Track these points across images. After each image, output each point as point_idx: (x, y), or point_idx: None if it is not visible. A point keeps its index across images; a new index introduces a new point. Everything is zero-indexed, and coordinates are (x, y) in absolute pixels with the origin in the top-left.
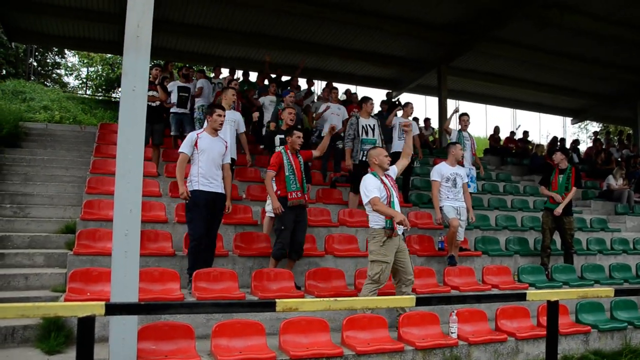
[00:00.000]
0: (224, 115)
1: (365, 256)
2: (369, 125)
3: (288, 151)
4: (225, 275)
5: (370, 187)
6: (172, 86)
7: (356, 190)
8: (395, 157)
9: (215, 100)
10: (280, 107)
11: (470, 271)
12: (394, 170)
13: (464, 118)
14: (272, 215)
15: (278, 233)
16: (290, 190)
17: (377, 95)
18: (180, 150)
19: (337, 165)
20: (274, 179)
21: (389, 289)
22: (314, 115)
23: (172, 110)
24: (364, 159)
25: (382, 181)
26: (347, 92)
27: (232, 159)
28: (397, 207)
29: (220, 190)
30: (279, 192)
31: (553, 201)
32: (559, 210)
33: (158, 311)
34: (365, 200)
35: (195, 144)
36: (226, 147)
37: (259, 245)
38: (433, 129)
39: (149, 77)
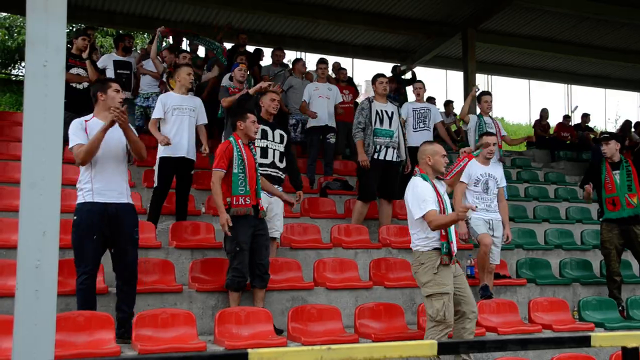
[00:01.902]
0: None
1: (368, 288)
2: (385, 111)
3: (239, 141)
4: (178, 319)
5: (424, 195)
6: (106, 60)
7: (367, 198)
8: (413, 152)
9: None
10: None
11: (511, 306)
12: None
13: (485, 98)
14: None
15: (232, 257)
16: (235, 194)
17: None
18: (71, 143)
19: (328, 166)
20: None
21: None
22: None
23: None
24: (376, 156)
25: (434, 187)
26: (336, 65)
27: (192, 162)
28: (452, 229)
29: (124, 199)
30: (228, 200)
31: (614, 208)
32: None
33: None
34: (417, 215)
35: (85, 133)
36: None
37: (225, 277)
38: (456, 115)
39: (72, 48)
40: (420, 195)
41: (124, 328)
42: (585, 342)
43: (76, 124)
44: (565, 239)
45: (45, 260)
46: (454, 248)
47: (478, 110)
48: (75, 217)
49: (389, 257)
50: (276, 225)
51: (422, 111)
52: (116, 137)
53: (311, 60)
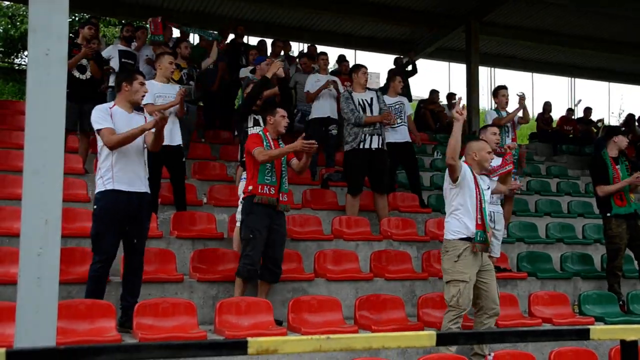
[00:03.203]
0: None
1: (368, 280)
2: (365, 100)
3: (268, 135)
4: (179, 308)
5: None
6: (111, 51)
7: (355, 191)
8: (395, 148)
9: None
10: (252, 77)
11: (511, 299)
12: (493, 185)
13: (502, 92)
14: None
15: (245, 243)
16: (261, 182)
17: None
18: (100, 126)
19: (330, 158)
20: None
21: (401, 325)
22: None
23: (111, 82)
24: (361, 145)
25: (474, 178)
26: (341, 58)
27: (179, 148)
28: (488, 217)
29: (144, 189)
30: (250, 188)
31: (622, 203)
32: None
33: (82, 358)
34: (446, 184)
35: (110, 119)
36: (146, 120)
37: (226, 267)
38: None
39: (77, 38)
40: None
41: (126, 317)
42: (584, 335)
43: (102, 108)
44: (567, 233)
45: (48, 248)
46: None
47: (494, 105)
48: (95, 206)
49: (390, 249)
50: None
51: (397, 106)
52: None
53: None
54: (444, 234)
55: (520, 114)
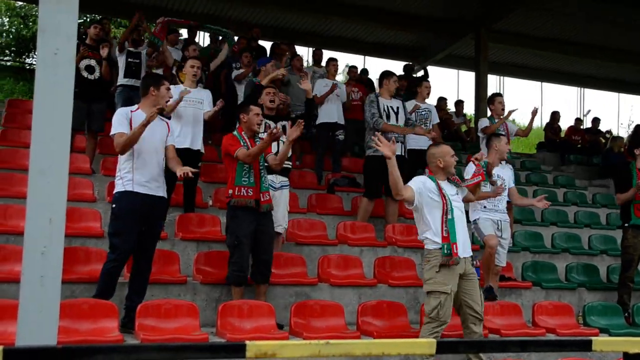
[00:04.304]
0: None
1: (372, 286)
2: (391, 107)
3: (243, 134)
4: (181, 310)
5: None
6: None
7: (372, 195)
8: (415, 156)
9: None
10: (256, 80)
11: (515, 309)
12: (463, 192)
13: (498, 100)
14: None
15: (231, 250)
16: (238, 184)
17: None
18: (114, 131)
19: (336, 163)
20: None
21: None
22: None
23: (118, 82)
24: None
25: (439, 187)
26: (353, 70)
27: (198, 152)
28: (460, 230)
29: (161, 193)
30: (230, 192)
31: None
32: None
33: (80, 358)
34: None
35: (130, 123)
36: (168, 129)
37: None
38: (466, 115)
39: (87, 38)
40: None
41: (129, 318)
42: (586, 346)
43: (122, 112)
44: (573, 243)
45: (51, 247)
46: (461, 250)
47: (489, 113)
48: (114, 206)
49: (394, 256)
50: (279, 220)
51: (423, 112)
52: (159, 131)
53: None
54: (425, 243)
55: (510, 118)
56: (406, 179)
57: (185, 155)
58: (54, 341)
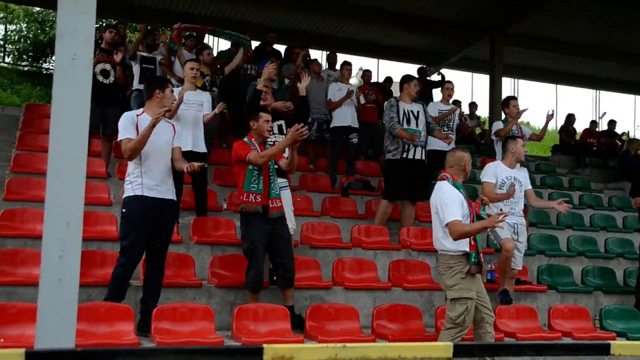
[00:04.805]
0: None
1: (386, 289)
2: (412, 111)
3: (253, 140)
4: (197, 313)
5: (451, 202)
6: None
7: (392, 197)
8: (433, 157)
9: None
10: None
11: (531, 312)
12: None
13: (513, 103)
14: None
15: (249, 257)
16: (247, 190)
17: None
18: (121, 137)
19: (350, 166)
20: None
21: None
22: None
23: (134, 86)
24: (404, 155)
25: (466, 195)
26: (367, 73)
27: (203, 155)
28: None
29: (170, 196)
30: (241, 198)
31: None
32: None
33: None
34: (449, 219)
35: (136, 127)
36: (174, 131)
37: (244, 273)
38: (479, 117)
39: (102, 42)
40: (447, 202)
41: (145, 321)
42: (604, 350)
43: (128, 118)
44: (589, 247)
45: (69, 251)
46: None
47: (503, 116)
48: (124, 210)
49: (408, 259)
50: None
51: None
52: (165, 134)
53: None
54: (440, 247)
55: (524, 121)
56: (426, 181)
57: (189, 158)
58: (72, 344)
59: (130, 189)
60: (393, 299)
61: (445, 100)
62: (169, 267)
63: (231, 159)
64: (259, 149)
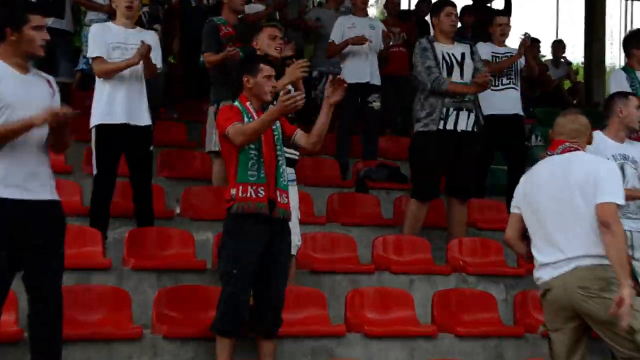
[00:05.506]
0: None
1: (430, 336)
2: (453, 55)
3: (248, 105)
4: None
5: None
6: None
7: (424, 195)
8: (498, 125)
9: None
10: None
11: None
12: None
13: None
14: None
15: (224, 282)
16: (243, 180)
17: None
18: None
19: (369, 144)
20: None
21: None
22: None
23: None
24: (441, 125)
25: None
26: (392, 1)
27: (147, 130)
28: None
29: (48, 196)
30: (232, 192)
31: None
32: None
33: None
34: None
35: None
36: (53, 90)
37: (209, 315)
38: (570, 64)
39: None
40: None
41: None
42: None
43: None
44: None
45: None
46: None
47: (622, 61)
48: None
49: (462, 288)
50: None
51: (505, 59)
52: (34, 103)
53: None
54: (592, 257)
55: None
56: (481, 165)
57: (128, 134)
58: None
59: None
60: (442, 353)
61: (497, 41)
62: (91, 309)
63: (185, 136)
64: (255, 117)
